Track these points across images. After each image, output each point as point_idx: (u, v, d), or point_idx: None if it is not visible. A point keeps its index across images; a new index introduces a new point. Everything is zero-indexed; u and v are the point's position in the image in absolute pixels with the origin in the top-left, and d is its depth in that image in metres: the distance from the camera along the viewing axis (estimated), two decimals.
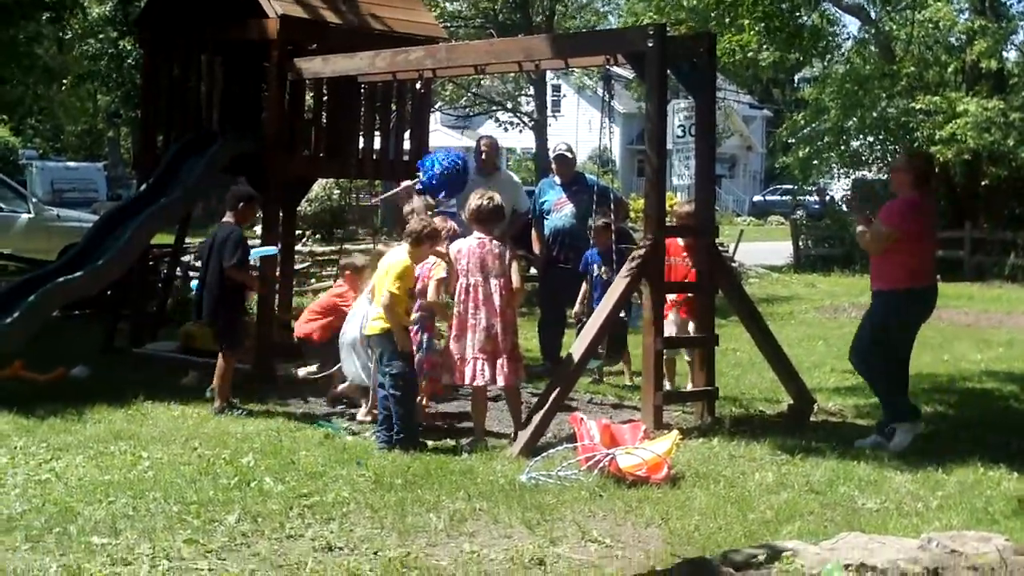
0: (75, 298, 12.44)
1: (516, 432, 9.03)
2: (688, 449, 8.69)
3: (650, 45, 9.46)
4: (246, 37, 12.51)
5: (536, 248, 12.56)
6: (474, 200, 9.39)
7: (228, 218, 10.59)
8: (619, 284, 9.57)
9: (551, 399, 8.99)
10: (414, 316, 9.41)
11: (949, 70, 28.59)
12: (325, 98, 13.09)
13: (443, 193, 11.37)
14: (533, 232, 12.51)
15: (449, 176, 11.20)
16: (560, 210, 12.15)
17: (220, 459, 8.30)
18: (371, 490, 7.53)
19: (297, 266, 17.70)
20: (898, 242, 9.16)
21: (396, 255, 9.13)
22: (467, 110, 29.24)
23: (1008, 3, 30.03)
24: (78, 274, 11.13)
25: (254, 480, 7.71)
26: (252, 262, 10.99)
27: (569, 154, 12.42)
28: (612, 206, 11.46)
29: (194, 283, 11.21)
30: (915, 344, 9.81)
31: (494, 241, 9.19)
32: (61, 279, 11.03)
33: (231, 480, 7.69)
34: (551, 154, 13.17)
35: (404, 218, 10.26)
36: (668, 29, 10.21)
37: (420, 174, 11.27)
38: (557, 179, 12.43)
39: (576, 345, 9.46)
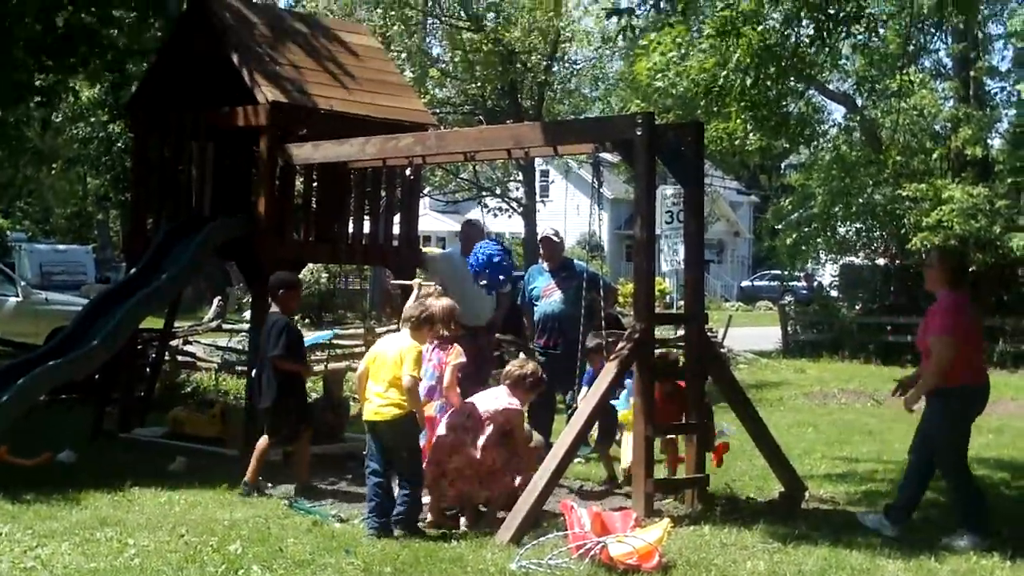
0: (63, 382, 12.39)
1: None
2: (679, 537, 8.63)
3: (638, 133, 9.53)
4: (237, 123, 12.58)
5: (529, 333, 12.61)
6: (509, 367, 9.72)
7: (273, 307, 10.70)
8: (609, 370, 9.57)
9: (541, 486, 8.94)
10: (438, 403, 9.59)
11: (934, 157, 28.81)
12: (315, 183, 13.15)
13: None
14: (525, 319, 12.56)
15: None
16: (549, 296, 12.15)
17: (207, 546, 8.22)
18: None
19: None
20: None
21: (402, 341, 9.13)
22: (456, 195, 29.37)
23: (992, 91, 30.34)
24: (66, 358, 11.09)
25: (241, 568, 7.64)
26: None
27: (556, 237, 12.43)
28: (602, 293, 11.48)
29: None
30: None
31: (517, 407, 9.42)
32: (49, 363, 10.98)
33: (218, 568, 7.63)
34: (538, 238, 13.25)
35: (389, 299, 10.44)
36: (656, 117, 10.27)
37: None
38: (545, 264, 12.45)
39: (566, 431, 9.43)
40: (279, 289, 10.71)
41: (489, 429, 9.26)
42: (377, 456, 9.03)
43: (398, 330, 9.63)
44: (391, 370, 8.99)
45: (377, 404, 9.01)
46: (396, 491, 9.07)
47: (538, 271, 12.54)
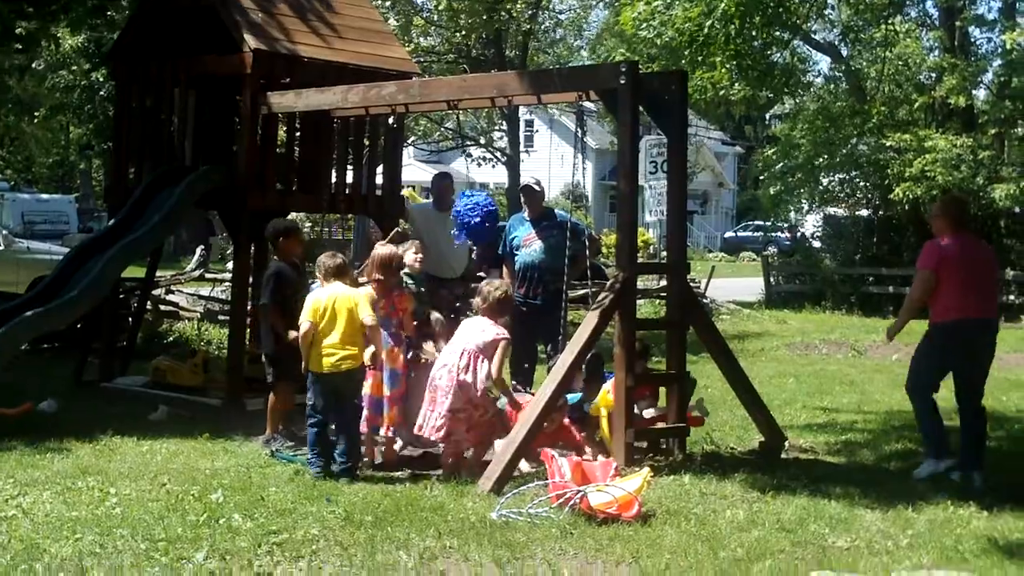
0: (45, 332, 12.38)
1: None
2: (659, 486, 8.67)
3: (622, 82, 9.51)
4: (219, 71, 12.52)
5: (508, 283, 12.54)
6: (484, 288, 9.78)
7: (273, 256, 10.74)
8: (591, 319, 9.57)
9: (522, 435, 8.97)
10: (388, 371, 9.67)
11: (916, 105, 28.78)
12: (298, 132, 13.10)
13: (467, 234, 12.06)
14: (504, 268, 12.46)
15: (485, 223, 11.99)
16: (529, 246, 12.01)
17: (189, 495, 8.24)
18: (341, 527, 7.50)
19: None
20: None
21: (345, 290, 9.32)
22: (440, 145, 29.26)
23: (978, 42, 30.26)
24: (47, 307, 11.06)
25: (223, 517, 7.65)
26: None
27: (537, 187, 12.31)
28: (586, 243, 11.47)
29: None
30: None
31: (495, 327, 9.48)
32: (31, 312, 10.96)
33: (200, 517, 7.64)
34: (520, 187, 13.20)
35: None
36: (640, 66, 10.22)
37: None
38: (527, 214, 12.37)
39: (547, 382, 9.45)
40: (278, 236, 10.72)
41: (485, 365, 9.30)
42: (322, 406, 9.21)
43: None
44: (345, 322, 9.14)
45: (338, 357, 9.14)
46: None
47: (519, 220, 12.44)
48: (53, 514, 7.69)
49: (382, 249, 10.02)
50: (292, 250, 10.78)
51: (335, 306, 9.20)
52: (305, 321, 9.24)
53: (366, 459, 9.63)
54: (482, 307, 9.66)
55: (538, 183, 12.25)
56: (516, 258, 12.04)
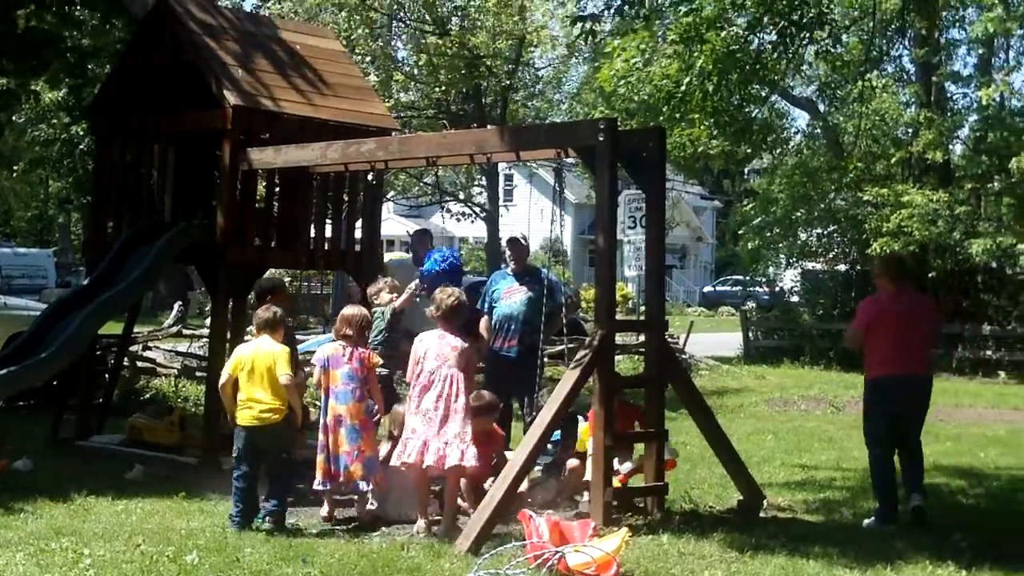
0: (20, 389, 12.30)
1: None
2: (637, 546, 8.62)
3: (601, 139, 9.55)
4: (199, 126, 12.53)
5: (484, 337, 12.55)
6: (438, 295, 9.88)
7: None
8: (570, 376, 9.55)
9: (500, 495, 8.92)
10: (369, 403, 9.76)
11: (893, 160, 28.97)
12: (277, 188, 13.10)
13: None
14: (483, 323, 12.44)
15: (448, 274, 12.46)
16: (510, 298, 12.02)
17: (164, 556, 8.14)
18: None
19: None
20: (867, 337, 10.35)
21: (269, 345, 9.42)
22: (419, 200, 29.34)
23: (954, 97, 30.50)
24: (23, 365, 10.99)
25: None
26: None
27: (523, 240, 12.41)
28: (563, 301, 11.55)
29: None
30: (863, 437, 10.20)
31: (454, 336, 9.65)
32: (5, 370, 10.88)
33: None
34: (505, 240, 13.28)
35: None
36: (619, 123, 10.29)
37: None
38: (510, 270, 12.40)
39: (526, 439, 9.42)
40: (267, 294, 10.84)
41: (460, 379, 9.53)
42: (249, 459, 9.32)
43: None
44: (268, 375, 9.27)
45: (258, 410, 9.28)
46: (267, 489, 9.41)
47: (501, 275, 12.49)
48: None
49: (349, 309, 10.11)
50: (281, 306, 10.76)
51: (255, 361, 9.35)
52: (224, 373, 9.49)
53: (324, 515, 9.71)
54: (435, 315, 9.84)
55: (524, 237, 12.38)
56: (495, 310, 12.05)
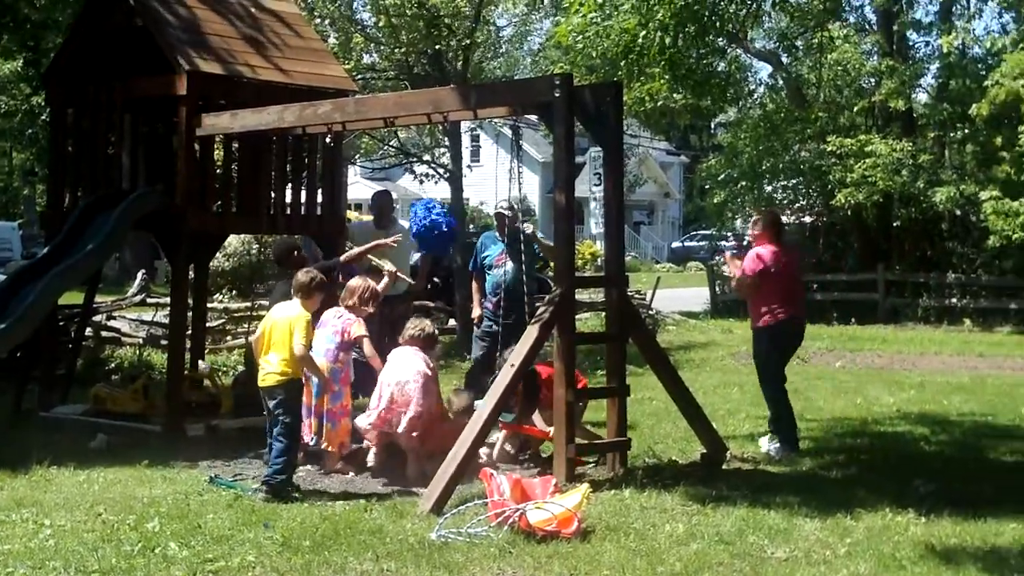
0: None
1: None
2: (599, 502, 8.66)
3: (556, 95, 9.52)
4: (155, 92, 12.42)
5: (475, 300, 12.84)
6: (409, 329, 10.44)
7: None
8: (531, 332, 9.56)
9: (462, 453, 8.94)
10: (331, 366, 9.90)
11: (855, 110, 29.00)
12: (236, 153, 13.02)
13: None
14: (473, 285, 12.72)
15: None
16: (501, 266, 12.28)
17: (125, 525, 8.13)
18: (278, 553, 7.43)
19: (211, 323, 17.54)
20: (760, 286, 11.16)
21: (291, 310, 9.43)
22: (384, 162, 29.16)
23: (916, 45, 30.54)
24: None
25: (159, 546, 7.56)
26: None
27: (508, 212, 12.44)
28: (535, 247, 11.89)
29: None
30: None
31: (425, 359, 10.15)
32: None
33: (135, 547, 7.54)
34: (493, 212, 13.48)
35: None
36: (578, 79, 10.25)
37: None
38: (499, 234, 12.54)
39: (487, 397, 9.42)
40: (287, 255, 11.46)
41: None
42: (269, 417, 9.48)
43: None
44: (281, 339, 9.31)
45: (264, 371, 9.39)
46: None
47: (491, 239, 12.71)
48: None
49: (354, 281, 10.57)
50: (302, 265, 10.95)
51: (276, 324, 9.40)
52: (258, 330, 9.66)
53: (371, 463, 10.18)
54: (407, 340, 10.34)
55: (510, 207, 12.41)
56: (488, 276, 12.32)
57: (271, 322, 9.46)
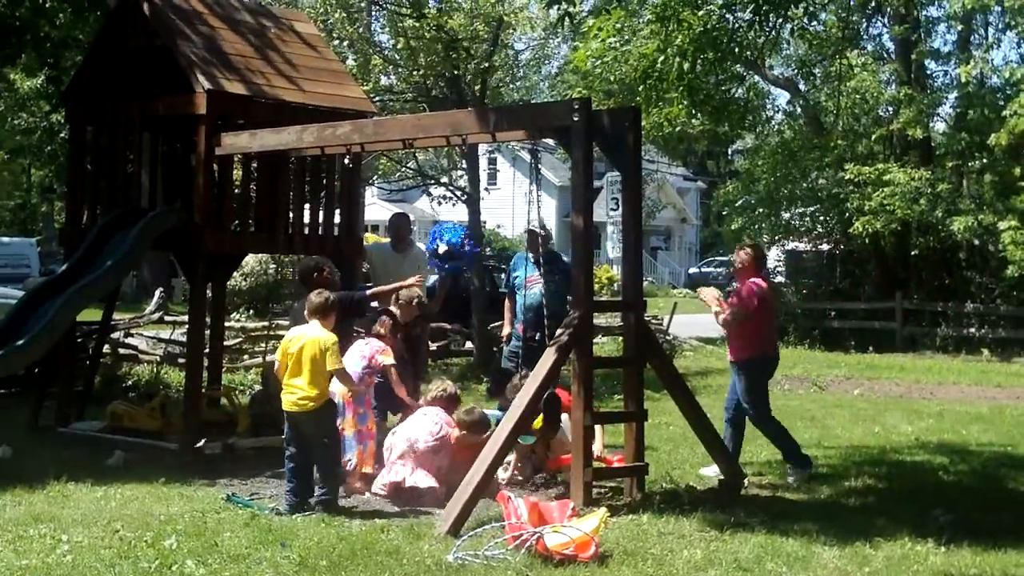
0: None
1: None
2: (617, 526, 8.63)
3: (575, 119, 9.54)
4: (174, 111, 12.46)
5: (507, 319, 12.85)
6: (432, 391, 10.65)
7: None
8: (548, 357, 9.54)
9: (479, 476, 8.91)
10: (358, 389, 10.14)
11: (874, 138, 28.95)
12: (254, 172, 13.04)
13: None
14: (506, 304, 12.80)
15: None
16: (531, 287, 12.30)
17: (142, 542, 8.14)
18: (295, 573, 7.42)
19: (228, 342, 17.55)
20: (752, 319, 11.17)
21: (315, 332, 9.47)
22: (401, 184, 29.20)
23: (934, 74, 30.52)
24: (2, 352, 10.93)
25: (176, 563, 7.56)
26: None
27: (542, 231, 12.40)
28: None
29: None
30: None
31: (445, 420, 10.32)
32: None
33: (152, 564, 7.54)
34: (525, 230, 13.50)
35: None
36: (596, 103, 10.26)
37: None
38: (530, 257, 12.51)
39: (504, 421, 9.40)
40: (312, 274, 11.34)
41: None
42: (295, 442, 9.44)
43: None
44: (311, 363, 9.32)
45: (297, 396, 9.36)
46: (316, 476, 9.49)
47: (523, 259, 12.74)
48: (3, 563, 7.57)
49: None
50: (326, 284, 11.04)
51: (302, 347, 9.39)
52: (277, 357, 9.71)
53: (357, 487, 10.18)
54: (429, 401, 10.57)
55: (543, 226, 12.33)
56: (518, 298, 12.30)
57: (297, 345, 9.42)
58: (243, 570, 7.45)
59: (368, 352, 10.33)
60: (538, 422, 9.88)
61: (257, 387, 14.46)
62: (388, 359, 10.37)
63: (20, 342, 11.02)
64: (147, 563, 7.56)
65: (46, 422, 12.84)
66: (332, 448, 9.50)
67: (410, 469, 9.90)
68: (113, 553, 7.84)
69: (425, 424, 10.21)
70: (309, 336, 9.41)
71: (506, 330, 12.81)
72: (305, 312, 9.70)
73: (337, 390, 9.85)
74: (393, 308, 11.24)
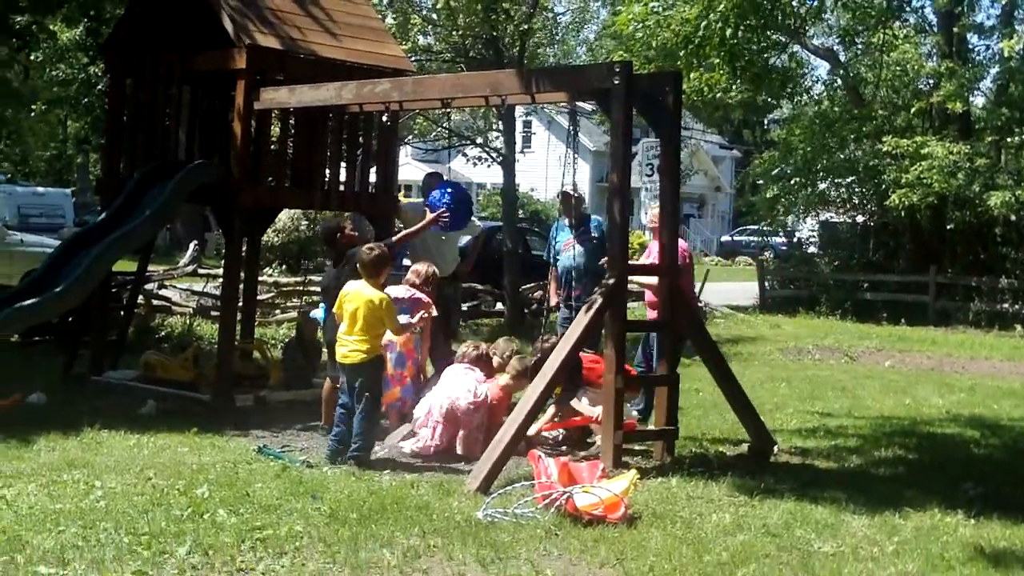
0: (35, 324, 12.35)
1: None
2: (646, 489, 8.65)
3: (616, 83, 9.48)
4: (214, 66, 12.46)
5: (551, 290, 12.81)
6: (463, 348, 10.98)
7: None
8: (582, 318, 9.55)
9: (510, 434, 8.94)
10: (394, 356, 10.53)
11: (912, 111, 28.72)
12: (291, 128, 13.05)
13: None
14: (551, 273, 12.76)
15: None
16: (568, 250, 12.30)
17: (174, 490, 8.20)
18: (325, 524, 7.46)
19: (261, 296, 17.62)
20: None
21: (368, 292, 9.55)
22: (437, 144, 29.17)
23: (976, 48, 30.24)
24: (37, 299, 11.01)
25: (207, 512, 7.61)
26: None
27: (574, 192, 12.39)
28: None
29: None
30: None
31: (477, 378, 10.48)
32: (19, 304, 10.91)
33: (184, 511, 7.60)
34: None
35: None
36: (636, 68, 10.20)
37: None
38: (567, 220, 12.52)
39: (535, 383, 9.42)
40: (335, 234, 11.34)
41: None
42: (345, 391, 9.64)
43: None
44: (363, 318, 9.46)
45: (347, 348, 9.53)
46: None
47: (561, 225, 12.72)
48: (37, 506, 7.64)
49: (420, 265, 11.16)
50: (350, 244, 11.12)
51: (357, 306, 9.53)
52: (336, 304, 9.81)
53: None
54: (460, 359, 10.79)
55: (575, 188, 12.29)
56: (558, 262, 12.30)
57: (352, 305, 9.53)
58: (274, 520, 7.49)
59: (410, 303, 10.57)
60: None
61: (290, 338, 14.52)
62: (431, 311, 10.68)
63: (56, 289, 11.09)
64: (179, 510, 7.62)
65: (80, 370, 12.96)
66: (373, 405, 9.57)
67: (449, 435, 10.09)
68: (146, 500, 7.91)
69: (464, 383, 10.30)
70: (364, 296, 9.51)
71: (552, 300, 12.75)
72: (359, 267, 9.73)
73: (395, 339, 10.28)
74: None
